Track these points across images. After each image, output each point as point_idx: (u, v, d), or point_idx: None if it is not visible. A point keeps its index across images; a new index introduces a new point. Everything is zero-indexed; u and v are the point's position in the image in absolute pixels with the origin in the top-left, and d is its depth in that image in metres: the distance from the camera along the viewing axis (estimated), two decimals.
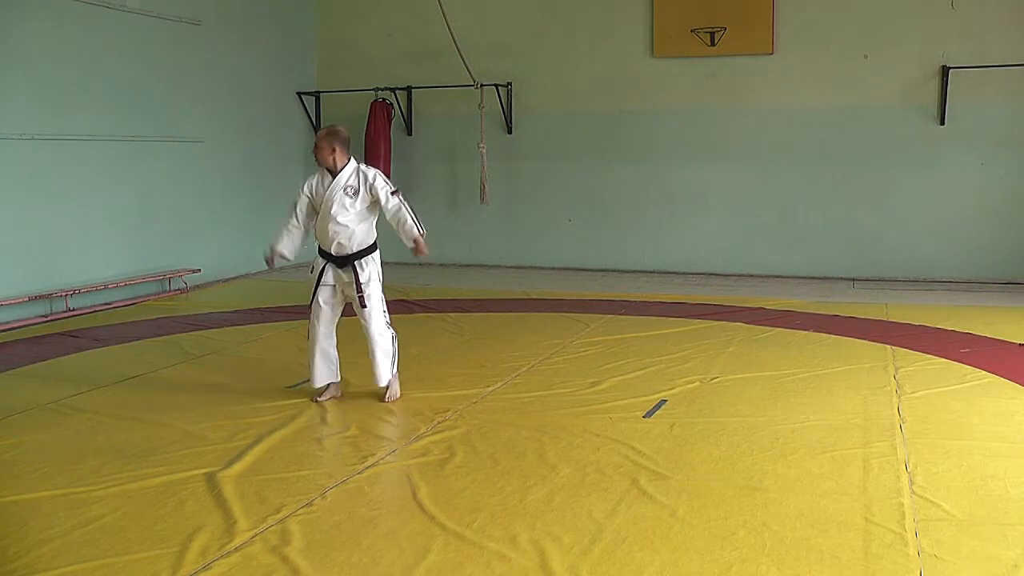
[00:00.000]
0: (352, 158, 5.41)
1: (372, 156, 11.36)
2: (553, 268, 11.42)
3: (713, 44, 10.45)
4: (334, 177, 5.32)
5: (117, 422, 5.11)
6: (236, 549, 3.48)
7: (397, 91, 11.59)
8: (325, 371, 5.49)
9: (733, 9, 10.34)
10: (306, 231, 5.50)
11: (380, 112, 11.46)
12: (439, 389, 5.76)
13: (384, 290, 5.53)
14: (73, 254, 8.66)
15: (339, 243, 5.31)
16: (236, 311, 8.65)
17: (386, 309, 5.50)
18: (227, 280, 10.57)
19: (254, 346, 7.16)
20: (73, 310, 8.39)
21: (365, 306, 5.35)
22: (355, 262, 5.34)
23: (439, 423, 5.05)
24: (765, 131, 10.57)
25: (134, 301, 9.04)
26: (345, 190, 5.28)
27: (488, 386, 5.81)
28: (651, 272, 11.01)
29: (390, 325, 5.51)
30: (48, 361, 6.62)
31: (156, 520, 3.76)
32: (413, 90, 11.70)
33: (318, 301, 5.42)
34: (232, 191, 10.80)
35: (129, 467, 4.36)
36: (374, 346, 5.42)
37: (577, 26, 11.13)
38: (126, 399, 5.60)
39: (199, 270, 10.02)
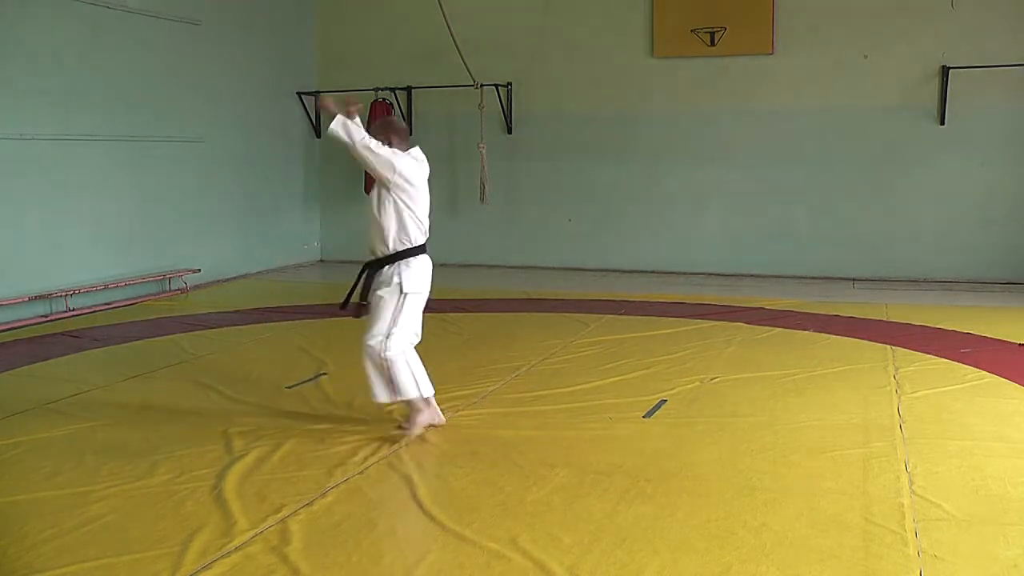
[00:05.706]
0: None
1: None
2: (553, 268, 11.41)
3: (713, 44, 10.45)
4: None
5: (117, 422, 5.12)
6: (236, 549, 3.48)
7: (397, 91, 11.59)
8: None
9: (733, 9, 10.34)
10: None
11: (380, 112, 11.42)
12: (439, 389, 5.71)
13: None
14: (73, 254, 8.66)
15: None
16: (236, 311, 8.64)
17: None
18: (227, 280, 10.57)
19: (254, 346, 7.16)
20: (73, 310, 8.39)
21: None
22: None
23: (438, 423, 5.05)
24: (765, 131, 10.57)
25: (134, 301, 9.04)
26: None
27: (488, 386, 5.81)
28: (651, 272, 11.00)
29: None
30: (48, 361, 6.63)
31: (156, 520, 3.76)
32: (413, 90, 11.70)
33: None
34: (232, 191, 10.79)
35: (129, 467, 4.37)
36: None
37: (577, 26, 11.13)
38: (126, 399, 5.60)
39: (199, 270, 10.02)
